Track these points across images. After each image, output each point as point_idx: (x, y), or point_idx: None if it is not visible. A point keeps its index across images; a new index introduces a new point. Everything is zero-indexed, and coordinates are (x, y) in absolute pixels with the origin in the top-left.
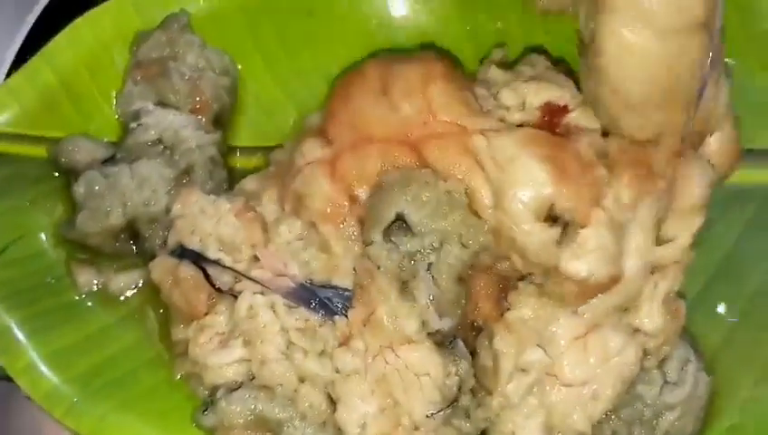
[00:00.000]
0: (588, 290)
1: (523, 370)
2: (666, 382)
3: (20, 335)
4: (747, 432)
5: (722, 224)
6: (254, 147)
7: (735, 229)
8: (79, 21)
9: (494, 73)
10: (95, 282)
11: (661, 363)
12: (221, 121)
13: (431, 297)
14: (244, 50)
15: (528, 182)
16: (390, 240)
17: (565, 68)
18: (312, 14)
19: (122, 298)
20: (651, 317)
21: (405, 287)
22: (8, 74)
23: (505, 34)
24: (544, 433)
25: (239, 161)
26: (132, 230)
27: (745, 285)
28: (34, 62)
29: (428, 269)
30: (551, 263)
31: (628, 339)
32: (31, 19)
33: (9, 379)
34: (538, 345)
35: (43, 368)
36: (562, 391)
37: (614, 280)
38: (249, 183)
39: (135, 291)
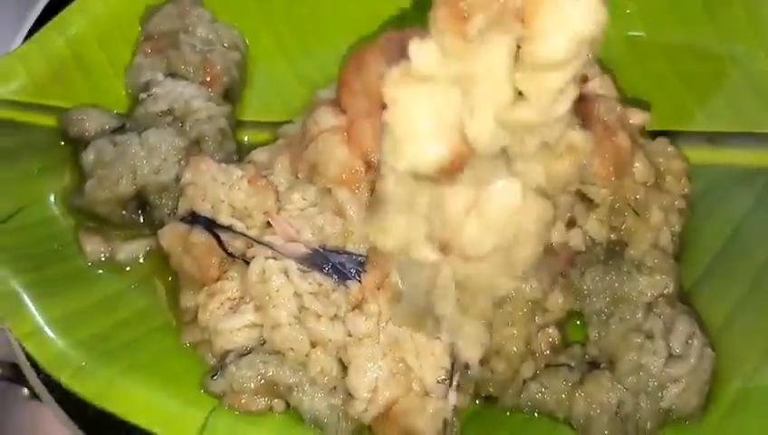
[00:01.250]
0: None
1: None
2: (671, 355)
3: (27, 299)
4: (750, 409)
5: (727, 204)
6: (263, 122)
7: (741, 209)
8: None
9: None
10: (102, 250)
11: (666, 336)
12: (230, 96)
13: None
14: (254, 26)
15: None
16: None
17: None
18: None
19: (130, 266)
20: None
21: None
22: None
23: None
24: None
25: (247, 135)
26: (141, 199)
27: (750, 264)
28: (46, 31)
29: None
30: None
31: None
32: (32, 17)
33: (9, 379)
34: None
35: (50, 332)
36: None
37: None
38: (259, 154)
39: (143, 260)
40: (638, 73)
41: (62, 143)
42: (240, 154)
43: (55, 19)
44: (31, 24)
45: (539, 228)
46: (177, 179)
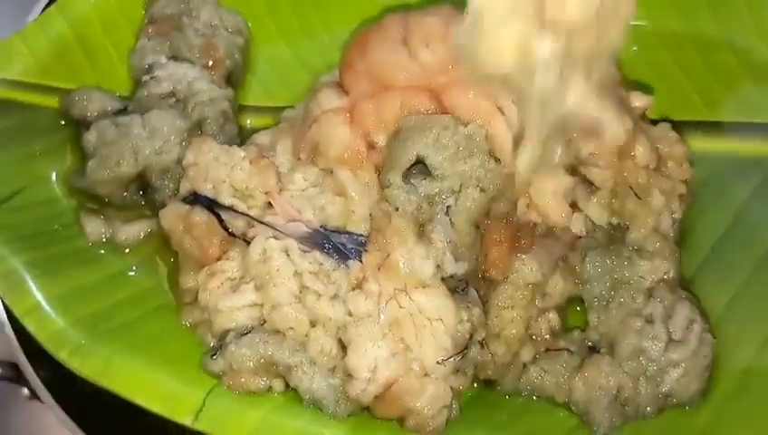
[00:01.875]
0: None
1: None
2: (671, 340)
3: (27, 277)
4: (750, 394)
5: (728, 192)
6: (265, 107)
7: (742, 197)
8: None
9: None
10: (103, 231)
11: (667, 321)
12: (233, 80)
13: (448, 240)
14: (257, 11)
15: None
16: (409, 182)
17: None
18: None
19: (131, 247)
20: None
21: (422, 230)
22: None
23: None
24: None
25: (250, 120)
26: (142, 181)
27: (751, 252)
28: (50, 12)
29: (446, 213)
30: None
31: None
32: (31, 19)
33: (9, 379)
34: None
35: (50, 309)
36: None
37: None
38: (261, 137)
39: (144, 240)
40: (639, 62)
41: (64, 124)
42: (242, 138)
43: (59, 1)
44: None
45: None
46: (179, 161)
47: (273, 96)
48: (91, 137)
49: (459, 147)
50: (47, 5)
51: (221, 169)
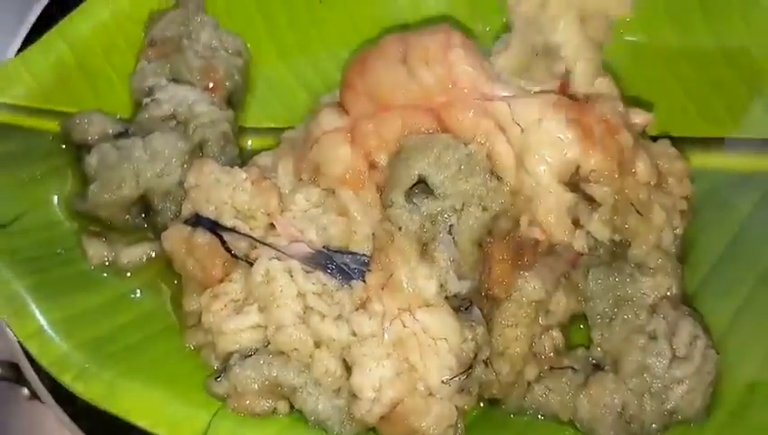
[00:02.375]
0: None
1: None
2: (675, 357)
3: (29, 301)
4: (754, 410)
5: (729, 207)
6: (265, 128)
7: (743, 213)
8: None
9: None
10: (105, 254)
11: (670, 338)
12: (233, 101)
13: (451, 259)
14: (256, 33)
15: (553, 144)
16: (412, 202)
17: None
18: (323, 1)
19: (133, 270)
20: None
21: (424, 250)
22: None
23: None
24: None
25: (250, 141)
26: (144, 203)
27: (752, 269)
28: (50, 36)
29: (449, 231)
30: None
31: None
32: (31, 19)
33: (9, 379)
34: None
35: (53, 333)
36: None
37: None
38: (262, 158)
39: (146, 263)
40: (637, 78)
41: (65, 148)
42: (243, 159)
43: (59, 24)
44: (30, 25)
45: None
46: (181, 183)
47: (272, 117)
48: (92, 160)
49: (461, 166)
50: (47, 6)
51: (223, 191)
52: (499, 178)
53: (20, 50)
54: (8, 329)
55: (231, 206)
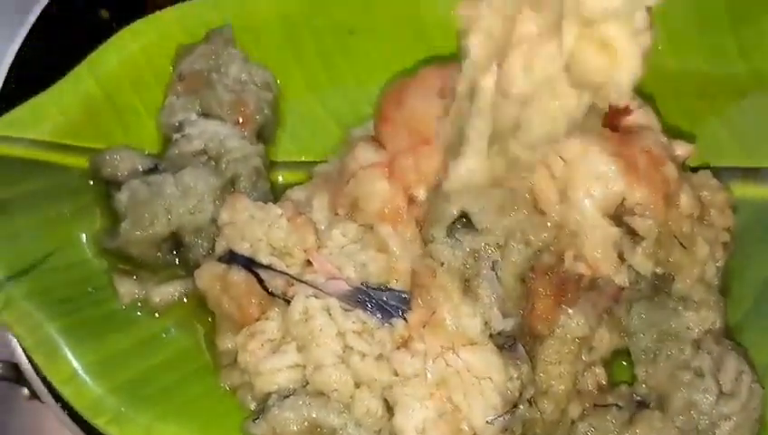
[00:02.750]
0: None
1: None
2: (721, 393)
3: (62, 344)
4: None
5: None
6: (296, 162)
7: None
8: (123, 32)
9: None
10: (137, 293)
11: (716, 374)
12: (263, 136)
13: (495, 296)
14: (285, 66)
15: (598, 178)
16: (454, 237)
17: None
18: (353, 33)
19: (165, 309)
20: None
21: (467, 286)
22: (8, 74)
23: None
24: None
25: (281, 175)
26: (175, 240)
27: None
28: (79, 71)
29: (492, 267)
30: (605, 263)
31: None
32: (31, 19)
33: (9, 379)
34: None
35: (87, 377)
36: None
37: None
38: (296, 193)
39: (178, 301)
40: (672, 108)
41: (93, 184)
42: (274, 194)
43: (87, 59)
44: (30, 25)
45: None
46: (213, 220)
47: (304, 151)
48: (123, 197)
49: (503, 201)
50: (47, 6)
51: (258, 228)
52: (542, 213)
53: (20, 50)
54: (8, 330)
55: (266, 243)
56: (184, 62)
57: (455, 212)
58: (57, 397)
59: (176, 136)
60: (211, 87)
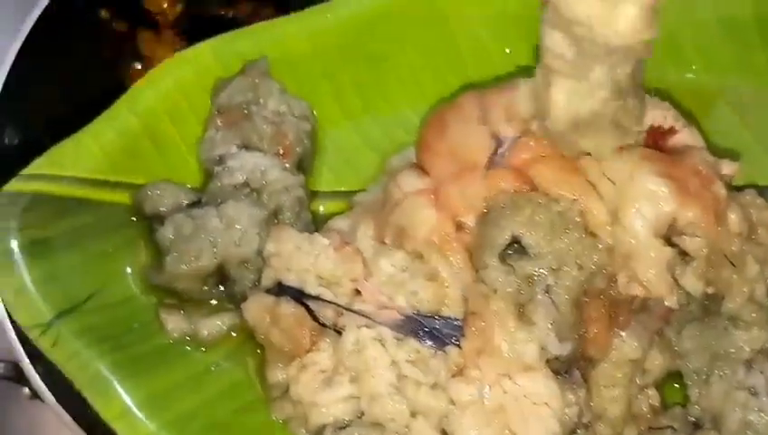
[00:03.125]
0: None
1: None
2: None
3: (112, 380)
4: None
5: None
6: (335, 192)
7: None
8: (160, 66)
9: None
10: (184, 327)
11: None
12: (302, 166)
13: (551, 321)
14: (321, 95)
15: (649, 198)
16: (506, 263)
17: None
18: (387, 60)
19: (214, 342)
20: None
21: (521, 312)
22: (8, 75)
23: None
24: None
25: (321, 206)
26: (221, 273)
27: None
28: (118, 106)
29: (547, 292)
30: (659, 284)
31: None
32: (31, 19)
33: (9, 379)
34: None
35: (139, 413)
36: None
37: None
38: (338, 223)
39: (226, 334)
40: (711, 126)
41: (136, 220)
42: (315, 225)
43: (126, 94)
44: (31, 25)
45: None
46: (258, 252)
47: (342, 180)
48: (166, 232)
49: (554, 224)
50: (47, 8)
51: (305, 259)
52: (593, 235)
53: (20, 50)
54: (7, 328)
55: (314, 273)
56: (222, 95)
57: (506, 238)
58: (57, 397)
59: (217, 169)
60: (250, 120)
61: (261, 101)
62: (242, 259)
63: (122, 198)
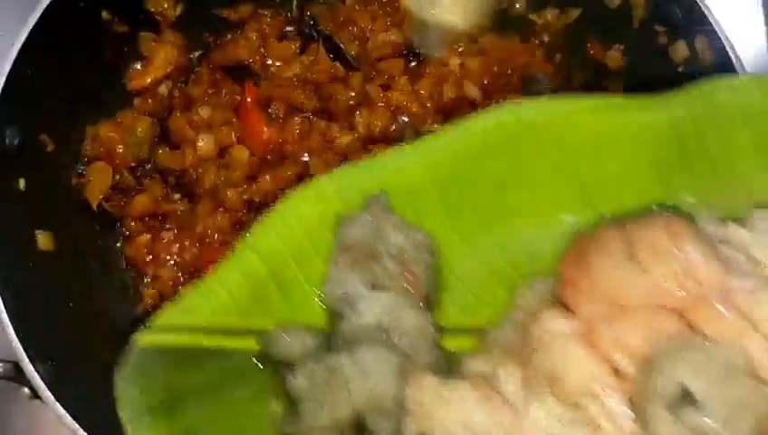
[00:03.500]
0: None
1: None
2: None
3: None
4: None
5: None
6: (463, 327)
7: None
8: (281, 206)
9: (737, 231)
10: None
11: None
12: (429, 301)
13: None
14: (440, 224)
15: None
16: (674, 413)
17: None
18: (505, 187)
19: None
20: None
21: None
22: (9, 75)
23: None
24: None
25: (450, 343)
26: (358, 422)
27: None
28: (242, 250)
29: None
30: None
31: None
32: (31, 19)
33: (9, 378)
34: None
35: None
36: None
37: None
38: (476, 365)
39: None
40: None
41: (264, 367)
42: (447, 364)
43: (247, 236)
44: (32, 25)
45: None
46: (396, 398)
47: (468, 315)
48: (299, 380)
49: (721, 370)
50: (47, 8)
51: (449, 409)
52: (765, 382)
53: (20, 50)
54: (7, 328)
55: (461, 424)
56: (345, 233)
57: (672, 387)
58: (57, 397)
59: (345, 310)
60: (375, 257)
61: (384, 237)
62: (378, 407)
63: (250, 344)
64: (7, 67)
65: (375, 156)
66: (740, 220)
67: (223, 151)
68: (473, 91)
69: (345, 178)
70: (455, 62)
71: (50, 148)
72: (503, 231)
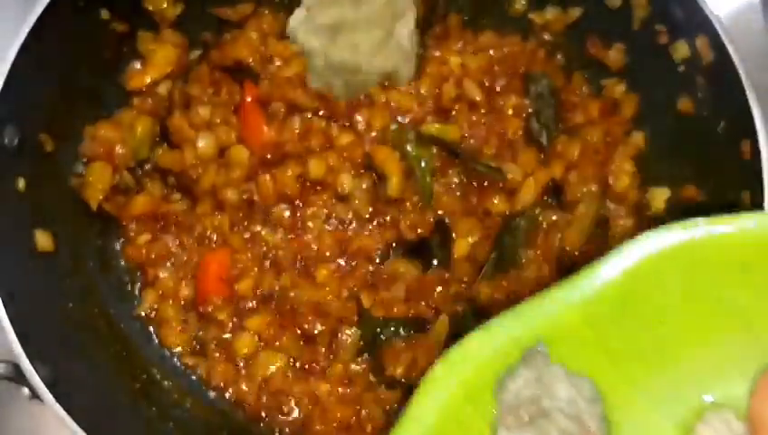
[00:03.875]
0: None
1: None
2: None
3: None
4: None
5: None
6: None
7: None
8: (435, 369)
9: None
10: None
11: None
12: None
13: None
14: (599, 367)
15: None
16: None
17: None
18: (664, 323)
19: None
20: None
21: None
22: (9, 74)
23: None
24: None
25: None
26: None
27: None
28: (403, 421)
29: None
30: None
31: None
32: (31, 19)
33: (9, 379)
34: None
35: None
36: None
37: None
38: None
39: None
40: None
41: None
42: None
43: (407, 413)
44: (31, 25)
45: None
46: None
47: None
48: None
49: None
50: (47, 8)
51: None
52: None
53: (20, 50)
54: (7, 328)
55: None
56: (508, 392)
57: None
58: (57, 397)
59: None
60: (545, 415)
61: (551, 391)
62: None
63: None
64: (7, 66)
65: (524, 302)
66: None
67: (223, 151)
68: (473, 90)
69: (497, 333)
70: (455, 61)
71: (49, 147)
72: (666, 367)
